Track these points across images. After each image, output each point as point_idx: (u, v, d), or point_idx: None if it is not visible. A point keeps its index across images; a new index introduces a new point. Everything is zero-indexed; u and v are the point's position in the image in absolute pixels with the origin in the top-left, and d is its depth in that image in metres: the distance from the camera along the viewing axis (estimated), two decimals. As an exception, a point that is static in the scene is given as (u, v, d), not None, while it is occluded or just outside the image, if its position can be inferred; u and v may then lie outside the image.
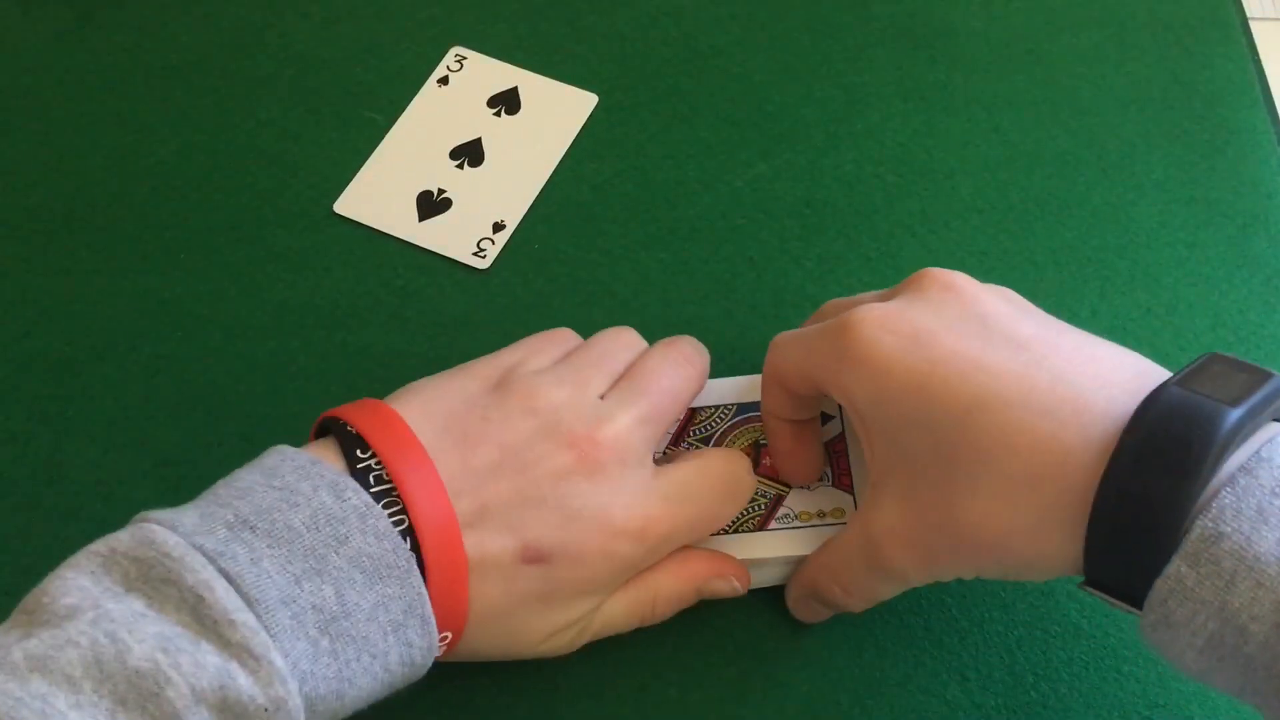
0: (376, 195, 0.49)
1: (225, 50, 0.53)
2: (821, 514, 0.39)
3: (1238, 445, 0.29)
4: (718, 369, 0.45)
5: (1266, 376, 0.30)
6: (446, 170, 0.50)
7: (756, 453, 0.40)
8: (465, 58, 0.53)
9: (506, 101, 0.51)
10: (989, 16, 0.54)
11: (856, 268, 0.47)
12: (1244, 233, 0.48)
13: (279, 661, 0.28)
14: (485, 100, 0.52)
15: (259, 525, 0.30)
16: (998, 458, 0.31)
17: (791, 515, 0.39)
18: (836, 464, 0.40)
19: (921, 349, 0.32)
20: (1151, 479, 0.28)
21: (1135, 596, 0.29)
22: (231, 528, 0.29)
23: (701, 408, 0.41)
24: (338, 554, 0.30)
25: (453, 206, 0.49)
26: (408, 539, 0.31)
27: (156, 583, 0.28)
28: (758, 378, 0.40)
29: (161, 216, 0.49)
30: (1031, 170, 0.50)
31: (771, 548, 0.38)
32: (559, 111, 0.51)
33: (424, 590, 0.31)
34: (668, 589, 0.37)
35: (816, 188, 0.49)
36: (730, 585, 0.38)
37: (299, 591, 0.29)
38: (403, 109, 0.51)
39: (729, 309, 0.46)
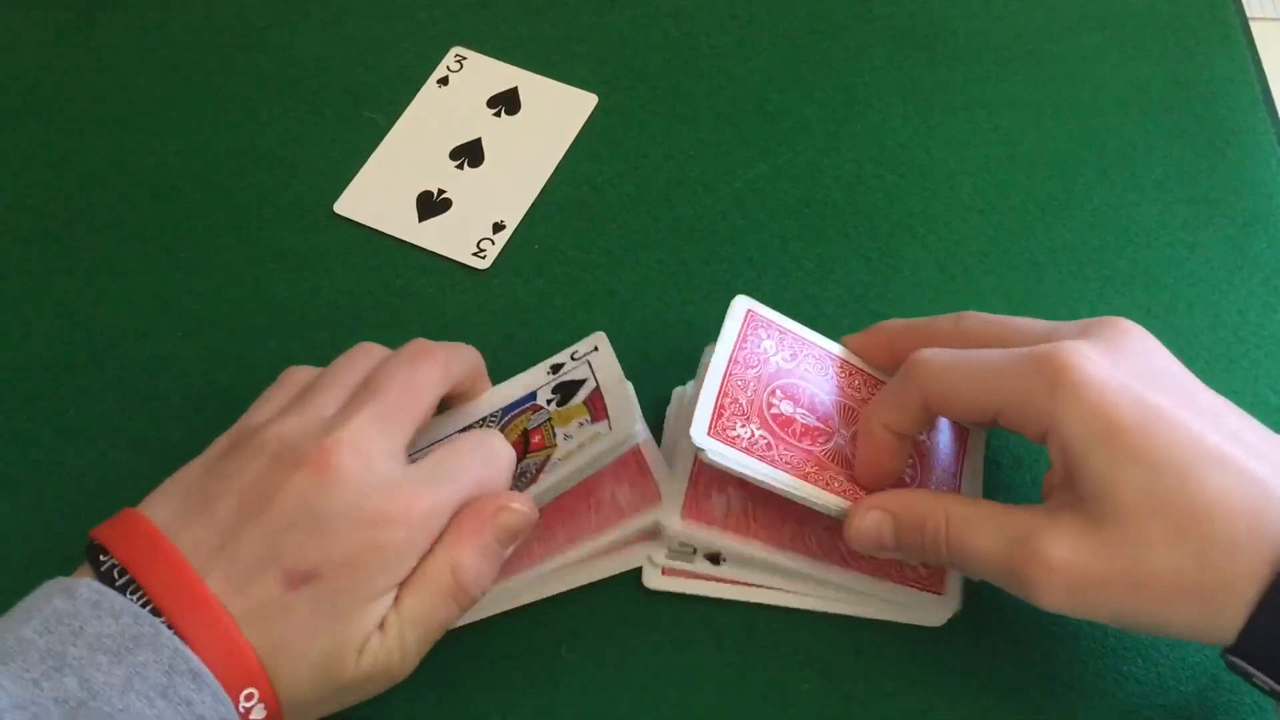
0: (376, 195, 0.49)
1: (225, 50, 0.53)
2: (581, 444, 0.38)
3: None
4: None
5: None
6: (446, 170, 0.50)
7: (525, 440, 0.39)
8: (465, 58, 0.53)
9: (506, 102, 0.52)
10: (989, 16, 0.54)
11: (856, 268, 0.47)
12: (1244, 233, 0.48)
13: None
14: (485, 100, 0.52)
15: None
16: (1206, 517, 0.32)
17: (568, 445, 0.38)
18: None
19: (1139, 396, 0.33)
20: None
21: None
22: None
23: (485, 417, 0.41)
24: (75, 645, 0.30)
25: (453, 207, 0.49)
26: (159, 616, 0.32)
27: None
28: (522, 377, 0.41)
29: (161, 216, 0.49)
30: (1031, 170, 0.50)
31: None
32: (559, 111, 0.51)
33: (181, 646, 0.31)
34: (458, 555, 0.35)
35: (816, 188, 0.49)
36: (520, 512, 0.36)
37: (39, 693, 0.29)
38: (403, 109, 0.51)
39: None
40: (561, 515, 0.39)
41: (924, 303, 0.46)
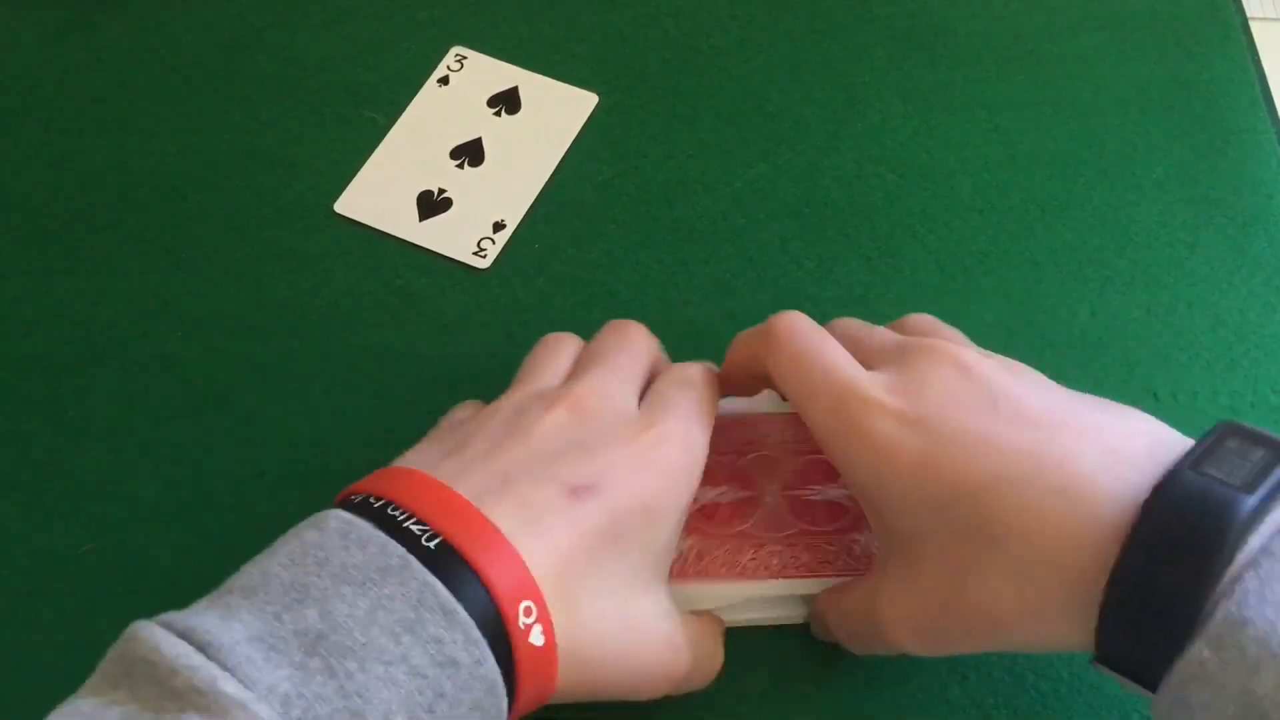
0: (377, 195, 0.49)
1: (225, 50, 0.53)
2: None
3: (1257, 525, 0.28)
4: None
5: None
6: (447, 170, 0.50)
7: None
8: (465, 57, 0.53)
9: (507, 101, 0.52)
10: (989, 16, 0.54)
11: (856, 268, 0.47)
12: (1244, 233, 0.48)
13: (231, 690, 0.26)
14: (485, 100, 0.52)
15: (235, 585, 0.29)
16: (1009, 539, 0.31)
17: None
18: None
19: (929, 429, 0.32)
20: (1166, 570, 0.28)
21: (1149, 678, 0.29)
22: (211, 599, 0.29)
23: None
24: (319, 576, 0.29)
25: (453, 206, 0.49)
26: (432, 542, 0.30)
27: (126, 672, 0.28)
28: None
29: (161, 216, 0.49)
30: (1031, 170, 0.50)
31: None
32: (559, 111, 0.51)
33: (431, 579, 0.29)
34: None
35: (816, 188, 0.49)
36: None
37: (279, 625, 0.28)
38: (403, 109, 0.51)
39: (729, 309, 0.46)
40: (808, 539, 0.39)
41: (924, 302, 0.46)
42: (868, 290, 0.47)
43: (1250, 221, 0.48)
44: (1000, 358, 0.35)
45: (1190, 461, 0.29)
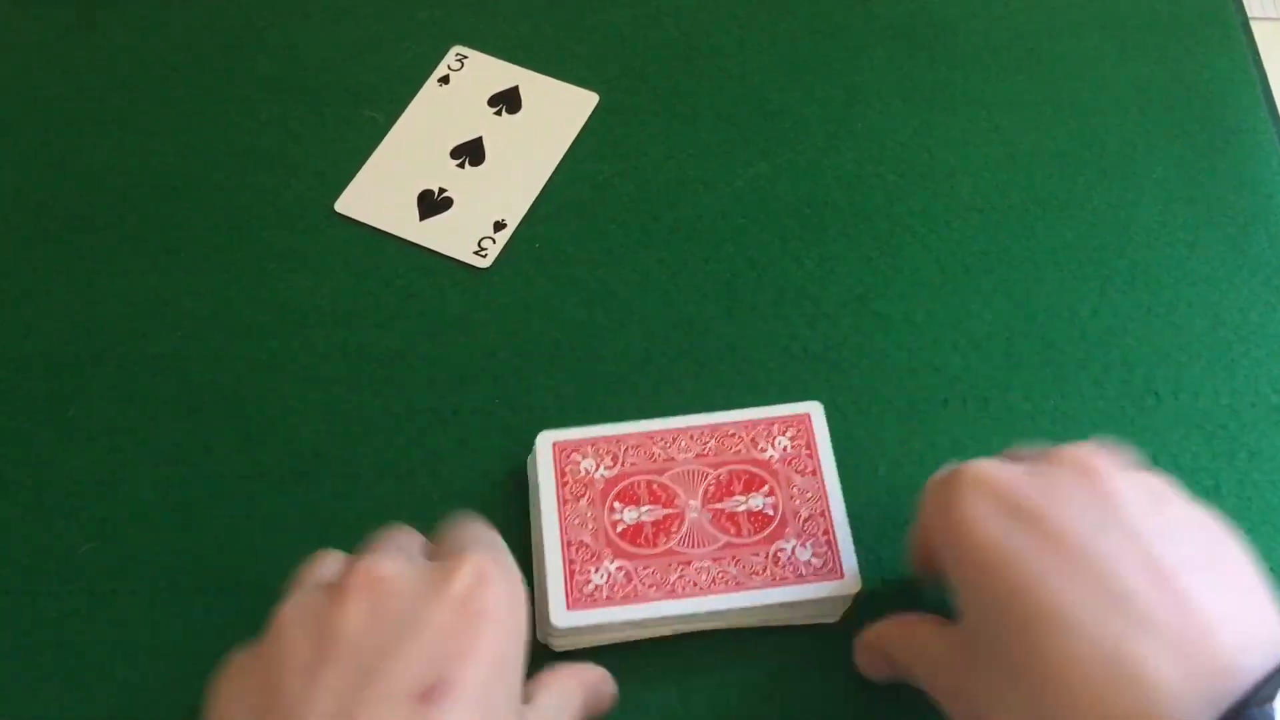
0: (377, 195, 0.49)
1: (225, 50, 0.53)
2: None
3: None
4: (718, 369, 0.45)
5: None
6: (447, 169, 0.50)
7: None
8: (466, 57, 0.53)
9: (507, 101, 0.51)
10: (989, 16, 0.54)
11: (857, 268, 0.47)
12: (1244, 233, 0.48)
13: None
14: (486, 99, 0.52)
15: None
16: (1044, 679, 0.29)
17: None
18: None
19: (1024, 524, 0.30)
20: None
21: None
22: None
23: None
24: None
25: (453, 206, 0.49)
26: None
27: None
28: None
29: (161, 216, 0.49)
30: (1032, 170, 0.50)
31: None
32: (560, 111, 0.51)
33: None
34: (584, 693, 0.35)
35: (817, 187, 0.49)
36: (612, 697, 0.37)
37: None
38: (403, 108, 0.51)
39: (729, 308, 0.46)
40: (733, 551, 0.39)
41: (924, 302, 0.46)
42: (868, 290, 0.47)
43: (1250, 221, 0.48)
44: (1150, 479, 0.32)
45: (1261, 694, 0.26)
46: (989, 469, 0.32)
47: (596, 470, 0.40)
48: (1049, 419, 0.44)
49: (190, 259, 0.48)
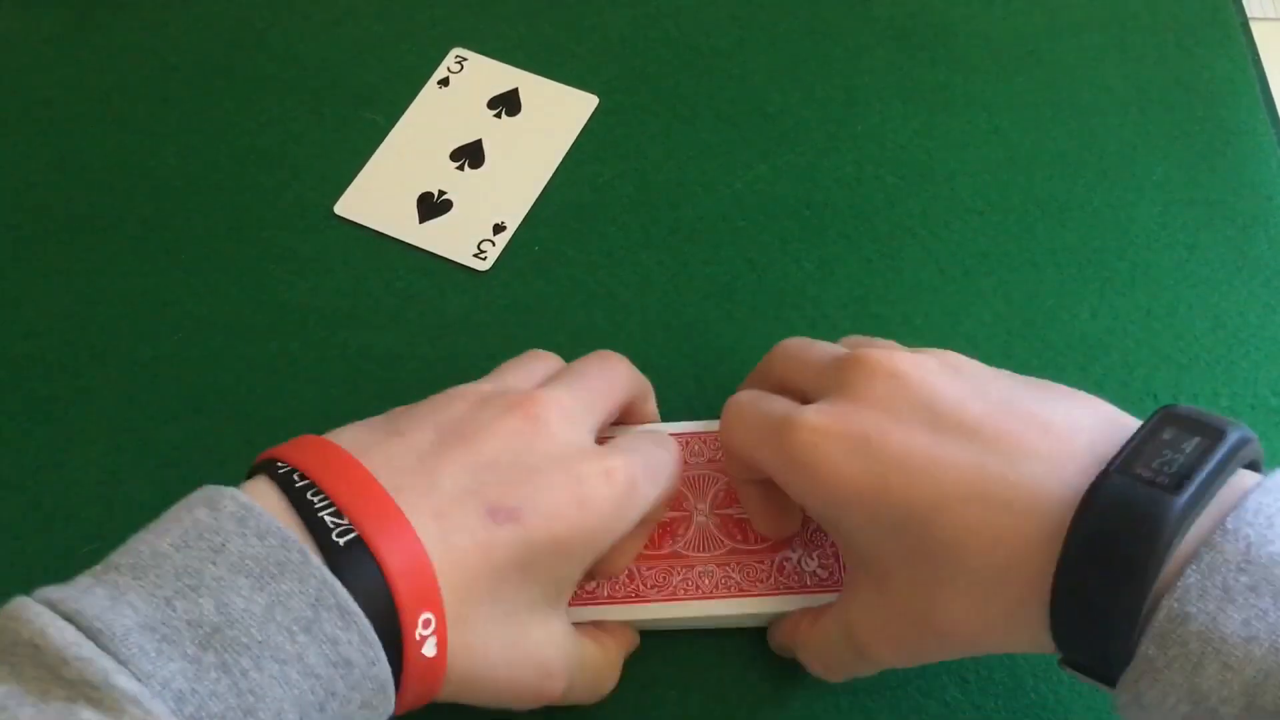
0: (377, 196, 0.49)
1: (225, 50, 0.53)
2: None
3: (1195, 516, 0.28)
4: (719, 371, 0.45)
5: (1219, 438, 0.29)
6: (447, 172, 0.50)
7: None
8: (466, 59, 0.53)
9: (507, 103, 0.51)
10: (989, 17, 0.54)
11: (856, 269, 0.47)
12: (1244, 234, 0.48)
13: (125, 684, 0.25)
14: (486, 101, 0.52)
15: (124, 562, 0.28)
16: (963, 557, 0.31)
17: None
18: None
19: (872, 452, 0.32)
20: (1101, 576, 0.28)
21: (1109, 678, 0.29)
22: (96, 575, 0.28)
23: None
24: (215, 564, 0.28)
25: (453, 208, 0.49)
26: (343, 538, 0.29)
27: (7, 649, 0.26)
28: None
29: (161, 216, 0.49)
30: (1031, 171, 0.50)
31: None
32: (559, 113, 0.51)
33: (331, 579, 0.28)
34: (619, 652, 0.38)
35: (816, 189, 0.49)
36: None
37: (171, 613, 0.27)
38: (403, 110, 0.51)
39: (729, 310, 0.46)
40: (738, 557, 0.39)
41: (924, 303, 0.46)
42: (868, 292, 0.47)
43: (1250, 223, 0.48)
44: (934, 355, 0.34)
45: (1121, 461, 0.29)
46: (817, 419, 0.33)
47: None
48: (1048, 421, 0.44)
49: (190, 260, 0.48)
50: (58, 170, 0.50)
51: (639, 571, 0.38)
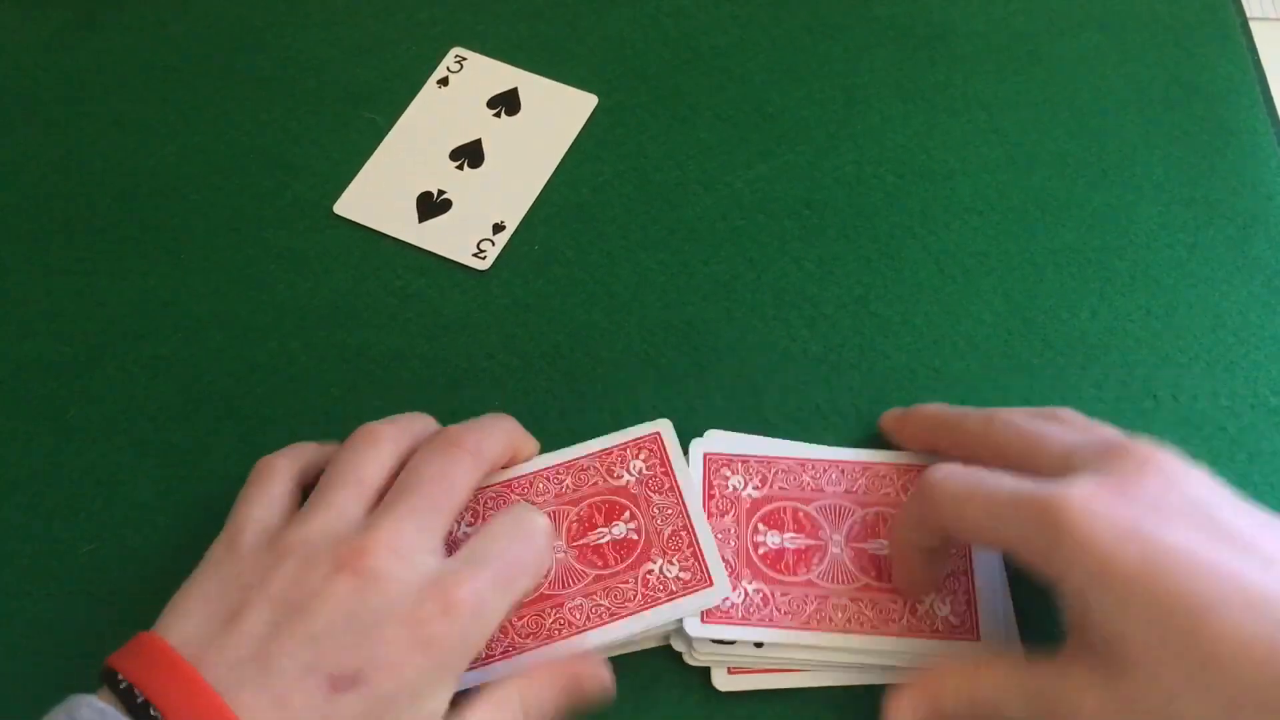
0: (376, 196, 0.49)
1: (225, 50, 0.53)
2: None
3: None
4: (718, 371, 0.45)
5: None
6: (446, 171, 0.50)
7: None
8: (465, 58, 0.53)
9: (506, 102, 0.51)
10: (989, 17, 0.54)
11: (856, 269, 0.47)
12: (1244, 234, 0.48)
13: None
14: (485, 101, 0.52)
15: None
16: (1232, 667, 0.30)
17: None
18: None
19: (1147, 539, 0.31)
20: None
21: None
22: None
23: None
24: None
25: (453, 207, 0.49)
26: None
27: None
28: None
29: (161, 217, 0.49)
30: (1031, 171, 0.50)
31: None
32: (559, 112, 0.51)
33: None
34: (532, 696, 0.35)
35: (816, 189, 0.49)
36: (603, 686, 0.36)
37: None
38: (402, 110, 0.51)
39: (729, 310, 0.46)
40: (603, 583, 0.38)
41: (923, 304, 0.46)
42: (868, 291, 0.47)
43: (1250, 223, 0.48)
44: (1198, 468, 0.34)
45: None
46: (1091, 493, 0.32)
47: (744, 488, 0.40)
48: (1048, 420, 0.44)
49: (190, 259, 0.48)
50: (58, 170, 0.50)
51: (773, 596, 0.38)
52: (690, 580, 0.38)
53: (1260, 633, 0.30)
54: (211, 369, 0.45)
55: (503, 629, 0.37)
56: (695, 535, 0.39)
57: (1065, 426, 0.38)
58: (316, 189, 0.49)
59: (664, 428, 0.41)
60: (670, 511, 0.39)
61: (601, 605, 0.38)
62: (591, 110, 0.51)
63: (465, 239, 0.48)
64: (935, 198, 0.49)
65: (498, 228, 0.48)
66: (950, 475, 0.36)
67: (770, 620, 0.38)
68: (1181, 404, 0.44)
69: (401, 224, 0.48)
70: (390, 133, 0.51)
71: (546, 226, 0.48)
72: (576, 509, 0.40)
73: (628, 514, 0.39)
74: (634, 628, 0.37)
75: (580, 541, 0.39)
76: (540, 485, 0.40)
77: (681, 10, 0.54)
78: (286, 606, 0.32)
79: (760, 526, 0.39)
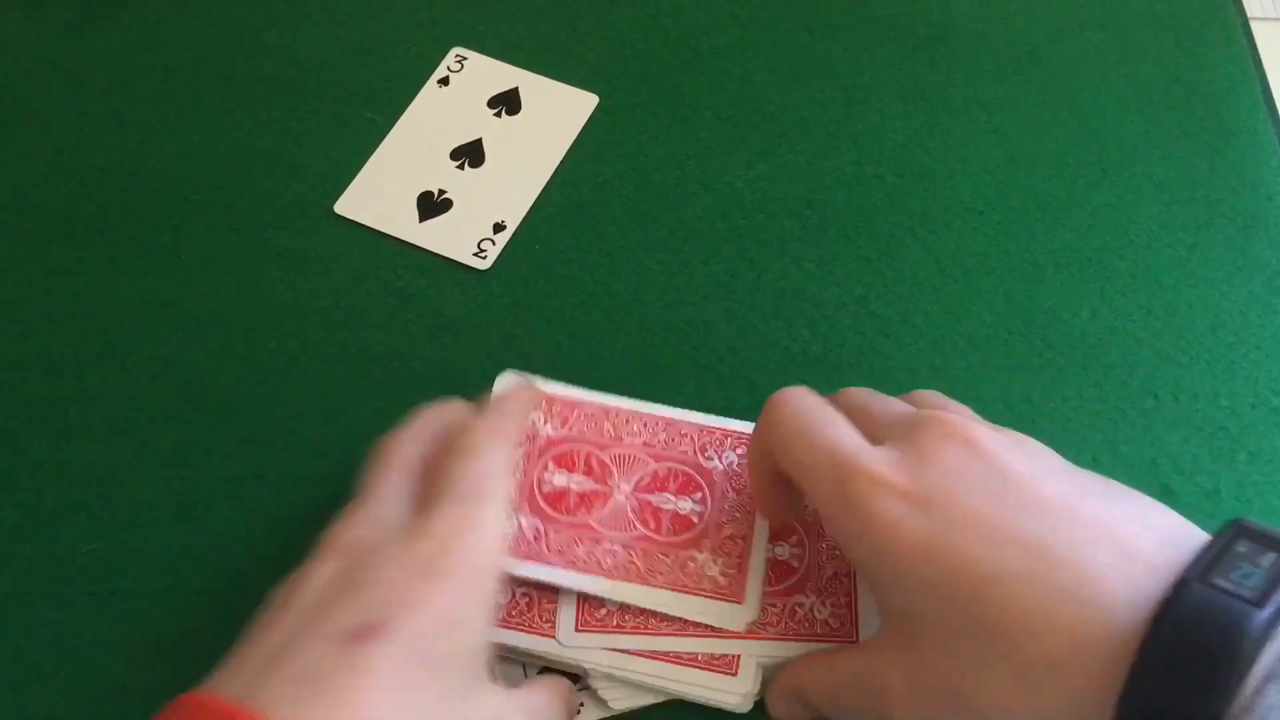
0: (377, 196, 0.49)
1: (225, 50, 0.53)
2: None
3: (1273, 634, 0.27)
4: (718, 371, 0.45)
5: None
6: (447, 171, 0.50)
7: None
8: (466, 58, 0.53)
9: (507, 102, 0.51)
10: (989, 17, 0.54)
11: (856, 268, 0.47)
12: (1244, 234, 0.48)
13: None
14: (486, 100, 0.52)
15: None
16: (1016, 637, 0.29)
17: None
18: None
19: (934, 512, 0.31)
20: (1178, 690, 0.27)
21: None
22: None
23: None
24: None
25: (453, 207, 0.49)
26: None
27: None
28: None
29: (161, 217, 0.49)
30: (1031, 171, 0.50)
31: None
32: (559, 112, 0.51)
33: None
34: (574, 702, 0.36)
35: (816, 188, 0.49)
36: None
37: None
38: (403, 109, 0.51)
39: (729, 309, 0.46)
40: (645, 544, 0.38)
41: (924, 304, 0.46)
42: (867, 291, 0.47)
43: (1250, 222, 0.48)
44: (1010, 433, 0.34)
45: (1199, 570, 0.28)
46: (882, 469, 0.32)
47: (543, 425, 0.40)
48: (1048, 420, 0.44)
49: (190, 259, 0.48)
50: (58, 170, 0.50)
51: (545, 533, 0.38)
52: (838, 629, 0.38)
53: (1044, 602, 0.29)
54: (211, 369, 0.45)
55: (536, 533, 0.38)
56: (749, 548, 0.39)
57: (908, 401, 0.38)
58: (317, 189, 0.49)
59: None
60: (738, 515, 0.39)
61: (634, 564, 0.38)
62: (592, 110, 0.51)
63: (466, 239, 0.48)
64: (935, 198, 0.49)
65: (498, 227, 0.48)
66: (788, 402, 0.35)
67: (538, 556, 0.38)
68: (1182, 404, 0.44)
69: (402, 224, 0.48)
70: (391, 132, 0.51)
71: (547, 226, 0.48)
72: (657, 464, 0.40)
73: (700, 495, 0.40)
74: (653, 600, 0.37)
75: (645, 496, 0.39)
76: (635, 426, 0.41)
77: (681, 10, 0.54)
78: (279, 606, 0.32)
79: (550, 465, 0.40)
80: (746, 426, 0.41)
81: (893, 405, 0.37)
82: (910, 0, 0.54)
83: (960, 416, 0.34)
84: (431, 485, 0.35)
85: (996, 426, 0.34)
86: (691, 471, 0.40)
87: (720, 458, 0.40)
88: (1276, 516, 0.42)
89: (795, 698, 0.36)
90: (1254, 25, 0.55)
